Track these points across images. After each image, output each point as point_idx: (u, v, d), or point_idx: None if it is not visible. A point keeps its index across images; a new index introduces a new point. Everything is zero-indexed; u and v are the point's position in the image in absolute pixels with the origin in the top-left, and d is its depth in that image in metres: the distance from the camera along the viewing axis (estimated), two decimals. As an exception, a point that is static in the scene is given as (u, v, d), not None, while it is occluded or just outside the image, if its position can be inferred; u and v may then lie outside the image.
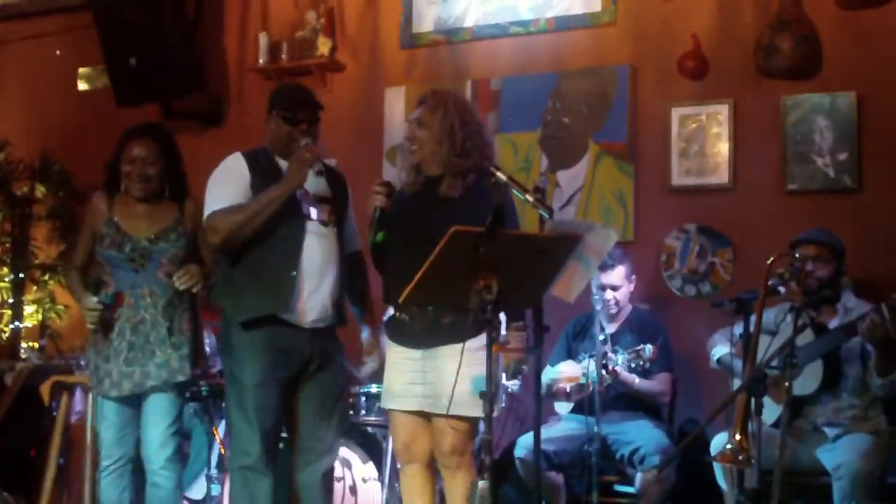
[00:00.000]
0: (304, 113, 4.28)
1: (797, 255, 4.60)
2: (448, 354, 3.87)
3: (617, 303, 5.38)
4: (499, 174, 3.77)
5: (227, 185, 4.23)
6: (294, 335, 4.19)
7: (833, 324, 4.82)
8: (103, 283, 4.44)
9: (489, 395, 3.40)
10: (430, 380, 3.97)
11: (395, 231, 4.05)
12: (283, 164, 4.23)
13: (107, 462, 4.53)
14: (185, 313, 4.52)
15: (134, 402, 4.49)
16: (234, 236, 4.14)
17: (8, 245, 7.50)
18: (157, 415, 4.45)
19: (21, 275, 7.47)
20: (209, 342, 6.00)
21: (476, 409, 3.69)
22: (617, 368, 5.05)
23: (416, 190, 4.13)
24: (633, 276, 5.45)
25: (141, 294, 4.45)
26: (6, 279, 7.43)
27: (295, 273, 4.15)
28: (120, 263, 4.47)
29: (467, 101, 4.21)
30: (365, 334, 4.51)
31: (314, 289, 4.20)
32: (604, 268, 5.24)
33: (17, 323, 7.30)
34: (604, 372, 5.00)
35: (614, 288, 5.35)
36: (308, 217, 4.23)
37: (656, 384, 5.25)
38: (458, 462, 4.00)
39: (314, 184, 4.29)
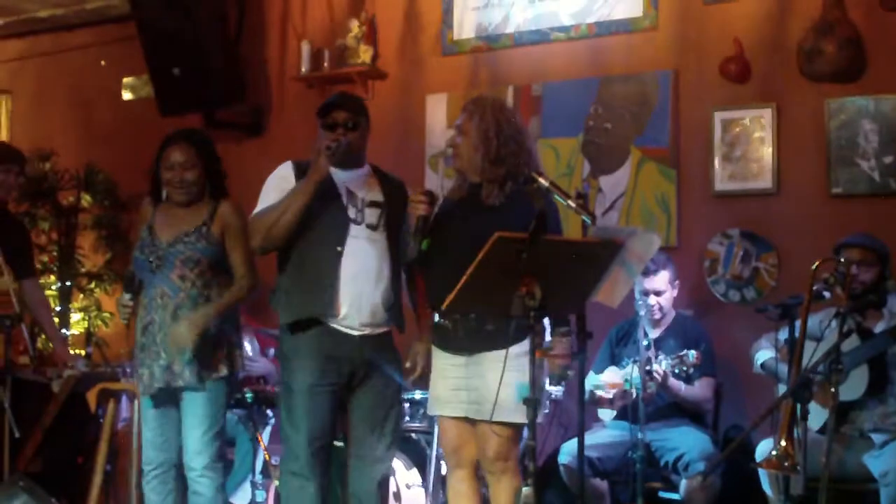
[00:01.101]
0: (337, 114, 4.26)
1: (842, 260, 4.57)
2: (491, 361, 3.86)
3: (660, 308, 5.35)
4: (541, 180, 3.79)
5: (272, 192, 4.26)
6: (343, 342, 4.19)
7: (879, 328, 4.78)
8: (136, 278, 4.46)
9: (533, 400, 3.40)
10: (473, 386, 3.97)
11: (440, 237, 4.05)
12: (331, 171, 4.22)
13: (148, 468, 4.54)
14: None
15: (173, 406, 4.49)
16: (269, 236, 4.16)
17: (55, 254, 7.60)
18: (193, 420, 4.43)
19: (68, 283, 7.56)
20: (252, 348, 6.06)
21: (519, 416, 3.69)
22: (667, 371, 5.02)
23: (461, 196, 4.14)
24: (677, 282, 5.42)
25: (154, 295, 4.44)
26: (53, 287, 7.52)
27: (334, 278, 4.15)
28: (142, 266, 4.49)
29: (506, 108, 4.18)
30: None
31: (360, 294, 4.18)
32: (647, 273, 5.22)
33: (63, 331, 7.37)
34: (647, 377, 4.98)
35: (658, 293, 5.32)
36: (354, 221, 4.24)
37: (699, 390, 5.21)
38: (502, 468, 3.99)
39: (364, 189, 4.31)
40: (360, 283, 4.19)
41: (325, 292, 4.15)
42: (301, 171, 4.26)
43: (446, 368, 4.08)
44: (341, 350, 4.19)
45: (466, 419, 4.04)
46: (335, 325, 4.18)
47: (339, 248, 4.18)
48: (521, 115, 4.37)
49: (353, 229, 4.22)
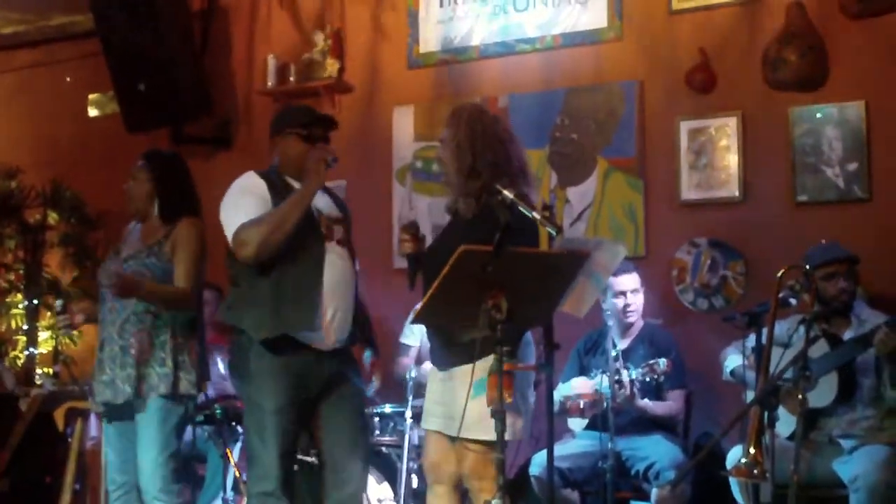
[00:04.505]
0: (320, 130, 4.26)
1: (826, 273, 4.67)
2: (460, 376, 3.81)
3: (634, 309, 5.35)
4: (505, 192, 3.69)
5: (248, 200, 4.13)
6: (313, 358, 4.13)
7: (847, 335, 4.80)
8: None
9: (501, 414, 3.39)
10: (446, 400, 3.93)
11: (427, 253, 4.04)
12: (296, 184, 4.16)
13: (112, 487, 4.52)
14: (140, 333, 4.38)
15: (132, 428, 4.43)
16: (265, 245, 4.01)
17: (21, 272, 7.53)
18: (146, 443, 4.37)
19: (35, 301, 7.50)
20: (224, 366, 6.02)
21: (487, 433, 3.63)
22: (635, 392, 5.02)
23: (453, 211, 4.10)
24: (643, 290, 5.43)
25: (106, 311, 4.44)
26: (20, 306, 7.46)
27: (318, 293, 4.08)
28: (99, 283, 4.48)
29: (485, 116, 4.04)
30: (367, 354, 4.45)
31: (337, 310, 4.14)
32: (616, 274, 5.17)
33: (31, 349, 7.32)
34: (617, 386, 4.98)
35: (632, 291, 5.32)
36: (327, 238, 4.21)
37: (671, 405, 5.24)
38: (479, 486, 3.90)
39: (326, 206, 4.29)
40: (336, 300, 4.15)
41: (308, 309, 4.07)
42: (268, 180, 4.20)
43: (433, 381, 4.07)
44: (312, 367, 4.13)
45: (445, 434, 3.99)
46: (308, 342, 4.12)
47: (319, 265, 4.14)
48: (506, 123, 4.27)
49: (327, 246, 4.20)
